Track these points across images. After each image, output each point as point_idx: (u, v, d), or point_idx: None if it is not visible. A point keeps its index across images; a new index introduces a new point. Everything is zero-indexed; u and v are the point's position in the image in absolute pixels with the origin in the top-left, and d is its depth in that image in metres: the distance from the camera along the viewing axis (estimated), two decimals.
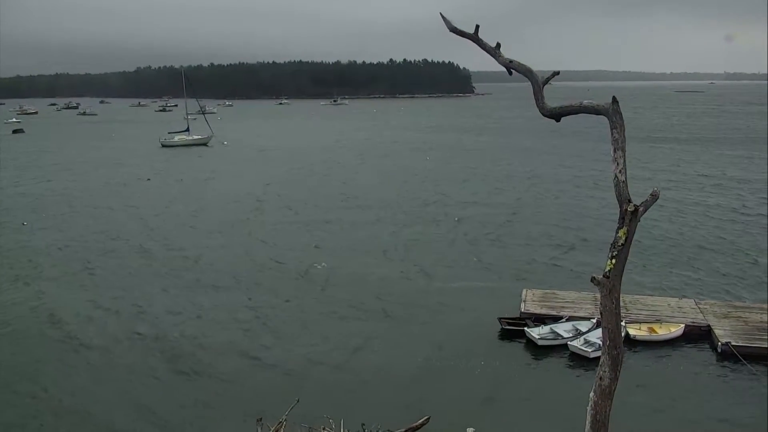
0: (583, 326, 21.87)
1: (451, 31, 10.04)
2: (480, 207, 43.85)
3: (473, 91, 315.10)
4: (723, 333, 20.98)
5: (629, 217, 8.08)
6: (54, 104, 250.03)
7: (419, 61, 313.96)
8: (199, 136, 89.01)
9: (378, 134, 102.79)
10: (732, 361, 19.80)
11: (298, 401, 14.11)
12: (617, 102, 8.30)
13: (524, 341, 21.64)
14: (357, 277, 28.87)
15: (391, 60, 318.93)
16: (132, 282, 28.55)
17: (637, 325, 21.80)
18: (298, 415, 14.05)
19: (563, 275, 28.67)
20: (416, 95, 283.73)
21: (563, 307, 23.71)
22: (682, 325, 21.81)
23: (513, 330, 22.24)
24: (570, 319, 22.54)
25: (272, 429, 13.55)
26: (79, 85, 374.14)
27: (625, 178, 8.16)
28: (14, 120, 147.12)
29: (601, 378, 8.48)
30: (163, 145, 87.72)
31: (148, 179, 58.39)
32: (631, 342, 20.70)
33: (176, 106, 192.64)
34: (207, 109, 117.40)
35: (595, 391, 8.56)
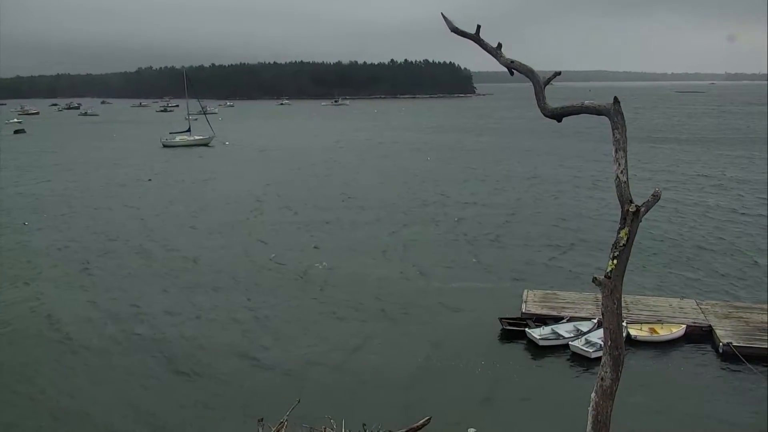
0: (585, 327, 21.85)
1: (452, 31, 10.04)
2: (480, 207, 43.83)
3: (474, 92, 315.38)
4: (724, 333, 20.95)
5: (631, 217, 8.08)
6: (55, 105, 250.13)
7: (420, 61, 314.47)
8: (201, 137, 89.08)
9: (379, 135, 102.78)
10: (733, 361, 19.75)
11: (299, 401, 14.13)
12: (618, 102, 8.30)
13: (525, 342, 21.61)
14: (357, 277, 28.85)
15: (392, 60, 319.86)
16: (131, 282, 28.54)
17: (638, 326, 21.77)
18: (299, 416, 14.07)
19: (564, 276, 28.64)
20: (417, 96, 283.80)
21: (564, 307, 23.69)
22: (684, 326, 21.78)
23: (514, 330, 22.22)
24: (571, 319, 22.51)
25: (273, 429, 13.55)
26: (80, 86, 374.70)
27: (627, 179, 8.16)
28: (15, 120, 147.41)
29: (602, 378, 8.47)
30: (165, 146, 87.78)
31: (149, 180, 58.43)
32: (632, 342, 20.68)
33: (177, 106, 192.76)
34: (208, 109, 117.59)
35: (596, 392, 8.56)
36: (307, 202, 46.24)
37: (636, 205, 8.08)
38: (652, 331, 21.65)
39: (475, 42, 9.78)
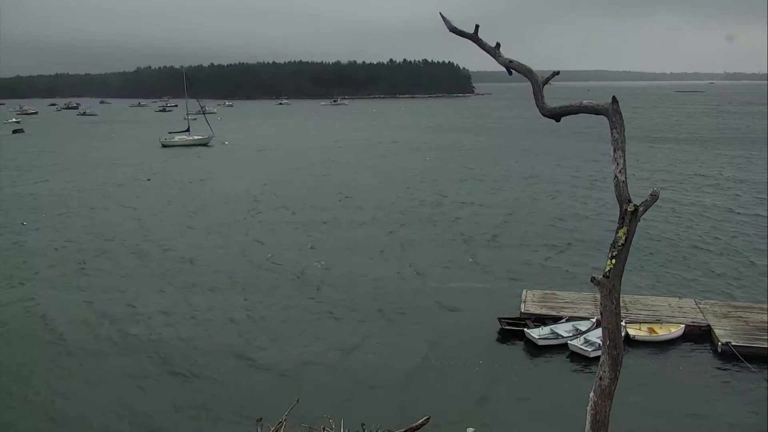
0: (583, 326, 21.85)
1: (451, 31, 10.04)
2: (478, 207, 43.82)
3: (473, 91, 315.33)
4: (723, 333, 20.96)
5: (629, 217, 8.07)
6: (54, 104, 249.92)
7: (419, 61, 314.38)
8: (200, 137, 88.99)
9: (377, 134, 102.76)
10: (732, 361, 19.75)
11: (297, 401, 14.11)
12: (617, 102, 8.30)
13: (524, 341, 21.61)
14: (355, 277, 28.82)
15: (391, 60, 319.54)
16: (128, 283, 28.46)
17: (637, 325, 21.77)
18: (297, 416, 14.05)
19: (562, 275, 28.65)
20: (416, 95, 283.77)
21: (563, 307, 23.69)
22: (682, 326, 21.77)
23: (513, 330, 22.22)
24: (570, 319, 22.51)
25: (272, 429, 13.54)
26: (79, 86, 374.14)
27: (625, 178, 8.16)
28: (14, 120, 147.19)
29: (601, 378, 8.47)
30: (164, 146, 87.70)
31: (148, 179, 58.39)
32: (631, 342, 20.66)
33: (176, 106, 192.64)
34: (207, 109, 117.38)
35: (595, 391, 8.55)
36: (305, 201, 46.21)
37: (634, 205, 8.07)
38: (651, 330, 21.65)
39: (474, 42, 9.78)
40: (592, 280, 8.48)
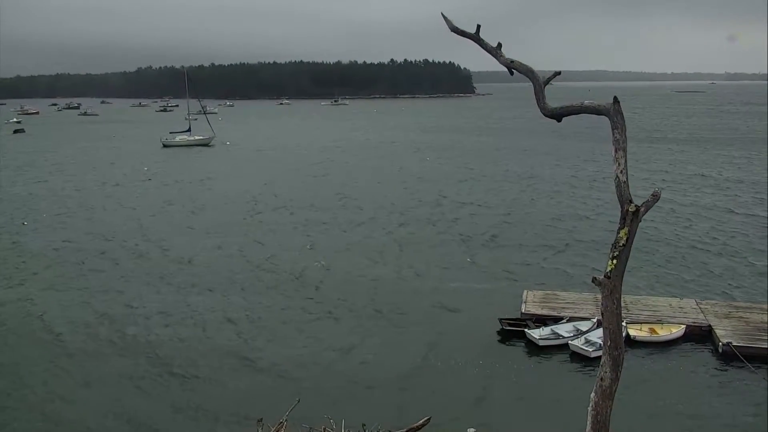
0: (584, 327, 21.82)
1: (452, 31, 10.02)
2: (479, 207, 43.78)
3: (474, 92, 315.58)
4: (724, 333, 20.93)
5: (630, 217, 8.06)
6: (55, 104, 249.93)
7: (420, 61, 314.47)
8: (201, 137, 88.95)
9: (378, 135, 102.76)
10: (733, 361, 19.72)
11: (298, 401, 14.08)
12: (618, 102, 8.28)
13: (525, 342, 21.58)
14: (355, 277, 28.81)
15: (391, 60, 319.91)
16: (126, 283, 28.41)
17: (638, 326, 21.75)
18: (298, 416, 14.03)
19: (563, 276, 28.62)
20: (417, 95, 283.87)
21: (564, 308, 23.67)
22: (683, 326, 21.75)
23: (514, 331, 22.20)
24: (571, 319, 22.49)
25: (273, 429, 13.52)
26: (80, 86, 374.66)
27: (627, 179, 8.14)
28: (15, 120, 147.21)
29: (602, 378, 8.45)
30: (165, 146, 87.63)
31: (149, 179, 58.39)
32: (631, 343, 20.65)
33: (177, 106, 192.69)
34: (208, 109, 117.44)
35: (596, 392, 8.53)
36: (304, 202, 46.18)
37: (636, 205, 8.06)
38: (652, 331, 21.63)
39: (475, 42, 9.76)
40: (593, 281, 8.46)
